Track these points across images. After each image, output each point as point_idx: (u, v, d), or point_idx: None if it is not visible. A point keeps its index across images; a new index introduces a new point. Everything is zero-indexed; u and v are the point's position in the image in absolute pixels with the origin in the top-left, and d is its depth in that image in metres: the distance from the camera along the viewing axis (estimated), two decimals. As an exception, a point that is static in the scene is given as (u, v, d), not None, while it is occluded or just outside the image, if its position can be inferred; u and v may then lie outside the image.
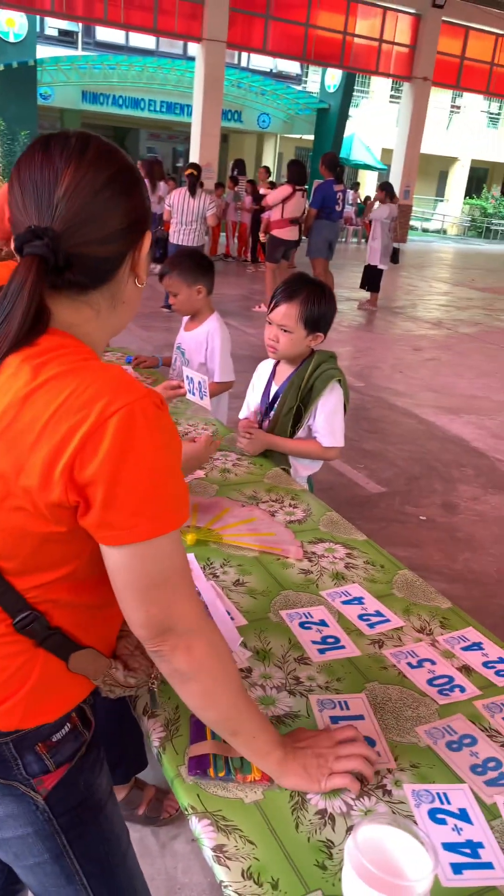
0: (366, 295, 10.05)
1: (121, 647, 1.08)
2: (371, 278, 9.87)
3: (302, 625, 1.40)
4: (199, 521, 1.80)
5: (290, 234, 8.70)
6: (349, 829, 0.94)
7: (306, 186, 8.75)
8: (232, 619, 1.40)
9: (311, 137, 21.49)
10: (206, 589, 1.49)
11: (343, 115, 19.65)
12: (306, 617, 1.42)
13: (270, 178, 13.21)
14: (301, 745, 1.03)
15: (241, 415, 2.49)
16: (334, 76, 19.41)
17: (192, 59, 15.98)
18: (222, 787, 1.01)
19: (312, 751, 1.02)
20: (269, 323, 2.20)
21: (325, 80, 19.93)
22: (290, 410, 2.25)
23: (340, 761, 1.01)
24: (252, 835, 0.94)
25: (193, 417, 2.57)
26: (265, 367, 2.42)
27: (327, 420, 2.21)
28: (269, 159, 27.03)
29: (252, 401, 2.45)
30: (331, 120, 19.71)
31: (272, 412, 2.31)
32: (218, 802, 0.99)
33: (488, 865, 0.92)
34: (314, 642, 1.34)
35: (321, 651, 1.32)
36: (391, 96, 26.94)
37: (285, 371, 2.31)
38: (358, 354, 7.35)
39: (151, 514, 0.84)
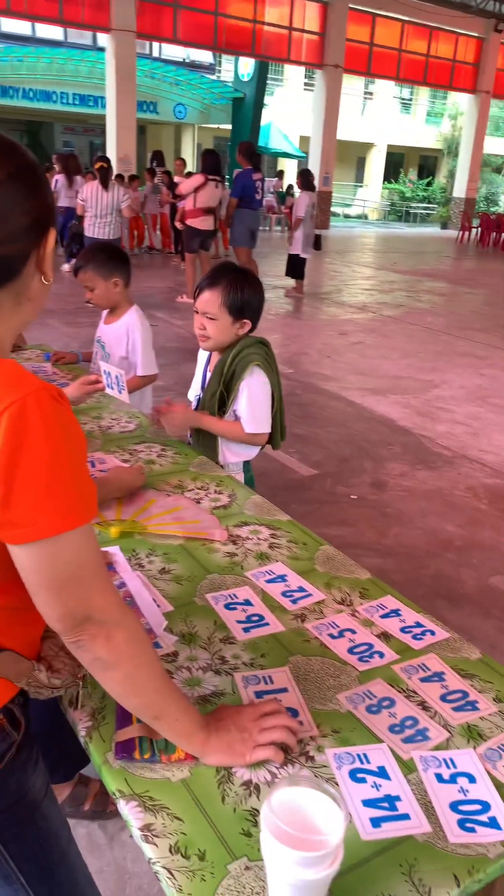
0: (291, 283, 10.14)
1: (45, 648, 1.07)
2: (295, 267, 9.96)
3: (227, 606, 1.42)
4: (124, 513, 1.80)
5: (204, 223, 8.69)
6: (272, 796, 0.97)
7: (226, 176, 8.75)
8: (158, 606, 1.41)
9: (229, 127, 21.46)
10: (132, 579, 1.50)
11: (258, 104, 19.70)
12: (231, 598, 1.45)
13: (188, 170, 13.15)
14: (224, 723, 1.05)
15: (190, 395, 2.49)
16: (247, 65, 19.43)
17: (103, 49, 15.71)
18: (149, 769, 1.03)
19: (236, 726, 1.04)
20: (196, 312, 2.19)
21: (239, 69, 19.93)
22: (213, 395, 2.26)
23: (264, 734, 1.03)
24: (179, 812, 0.96)
25: (116, 412, 2.55)
26: (203, 355, 2.42)
27: (249, 405, 2.21)
28: (187, 150, 26.90)
29: (193, 390, 2.46)
30: (246, 109, 19.73)
31: (202, 396, 2.33)
32: (145, 784, 1.00)
33: (405, 817, 0.96)
34: (239, 622, 1.37)
35: (246, 629, 1.35)
36: (305, 84, 27.14)
37: (218, 358, 2.32)
38: (286, 341, 7.41)
39: (53, 509, 0.83)
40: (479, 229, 20.31)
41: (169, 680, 1.02)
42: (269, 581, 1.53)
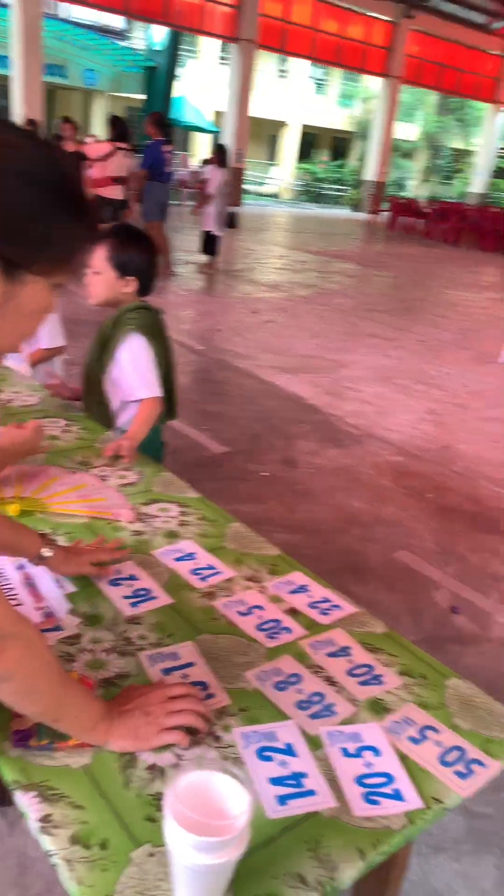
0: (205, 259, 10.02)
1: None
2: (208, 244, 9.85)
3: (112, 582, 1.38)
4: (24, 490, 1.71)
5: (113, 192, 8.45)
6: (178, 779, 0.94)
7: (136, 145, 8.51)
8: (60, 587, 1.35)
9: (142, 97, 20.88)
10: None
11: (171, 75, 19.22)
12: (116, 573, 1.41)
13: (87, 137, 12.64)
14: (129, 707, 1.02)
15: None
16: (160, 33, 18.90)
17: (6, 5, 14.88)
18: (48, 757, 0.98)
19: (140, 710, 1.01)
20: None
21: (151, 37, 19.37)
22: (97, 360, 2.24)
23: (171, 717, 1.01)
24: (80, 800, 0.92)
25: (17, 384, 2.43)
26: None
27: (134, 370, 2.16)
28: (98, 118, 26.02)
29: None
30: (159, 79, 19.22)
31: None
32: (44, 773, 0.95)
33: (311, 793, 0.95)
34: (125, 597, 1.34)
35: (133, 605, 1.32)
36: (220, 58, 26.73)
37: None
38: (198, 318, 7.33)
39: None
40: (389, 213, 20.69)
41: (67, 681, 0.98)
42: (178, 559, 1.50)
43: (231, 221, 9.87)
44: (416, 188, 33.48)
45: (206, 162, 19.97)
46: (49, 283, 0.81)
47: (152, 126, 8.54)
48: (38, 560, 1.32)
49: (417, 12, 21.34)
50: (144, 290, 2.21)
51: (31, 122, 8.05)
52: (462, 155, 34.37)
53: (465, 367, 6.57)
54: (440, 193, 32.40)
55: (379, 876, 1.17)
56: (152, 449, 2.28)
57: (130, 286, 2.16)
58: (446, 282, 11.76)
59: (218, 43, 24.39)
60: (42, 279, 0.80)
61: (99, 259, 2.11)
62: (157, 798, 0.93)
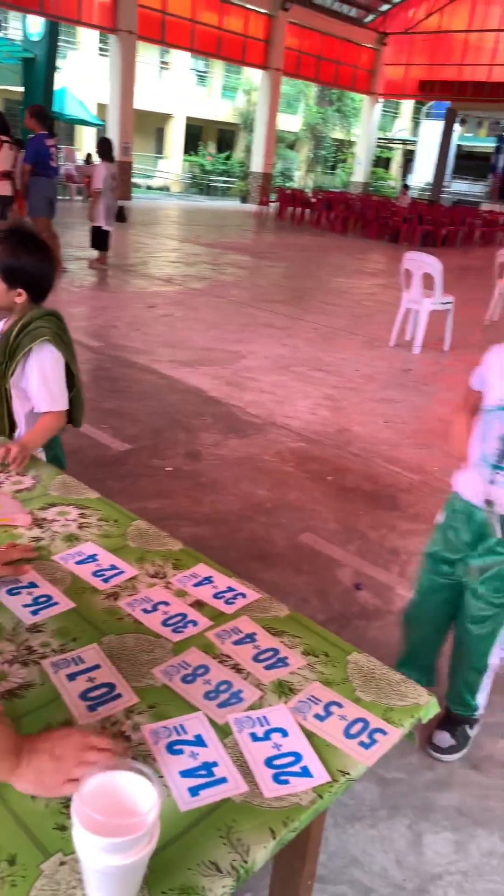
0: (96, 254, 9.82)
1: None
2: (98, 238, 9.64)
3: (10, 591, 1.35)
4: None
5: (1, 188, 8.15)
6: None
7: (17, 139, 8.20)
8: (-45, 601, 1.30)
9: (21, 89, 20.15)
10: None
11: (51, 66, 18.64)
12: (14, 582, 1.37)
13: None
14: (40, 748, 0.94)
15: None
16: (37, 23, 18.28)
17: None
18: (-50, 778, 0.94)
19: (51, 754, 0.93)
20: None
21: (28, 27, 18.70)
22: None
23: (81, 767, 0.89)
24: (-15, 818, 0.89)
25: None
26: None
27: (43, 384, 2.09)
28: (-26, 111, 24.95)
29: None
30: (38, 71, 18.59)
31: None
32: None
33: (222, 780, 0.97)
34: (25, 605, 1.31)
35: (34, 612, 1.30)
36: (100, 49, 26.16)
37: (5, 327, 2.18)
38: (93, 314, 7.18)
39: None
40: (277, 204, 20.94)
41: None
42: (78, 562, 1.47)
43: (121, 215, 9.68)
44: (301, 178, 34.02)
45: (88, 158, 19.60)
46: None
47: (33, 119, 8.25)
48: None
49: (293, 5, 21.65)
50: (40, 296, 2.11)
51: None
52: (344, 145, 35.20)
53: (357, 352, 6.75)
54: (325, 183, 33.10)
55: (296, 851, 1.20)
56: (53, 456, 2.23)
57: (21, 297, 2.06)
58: (336, 270, 12.03)
59: (97, 34, 23.89)
60: None
61: None
62: (67, 805, 0.91)
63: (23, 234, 2.05)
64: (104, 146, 9.42)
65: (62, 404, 2.13)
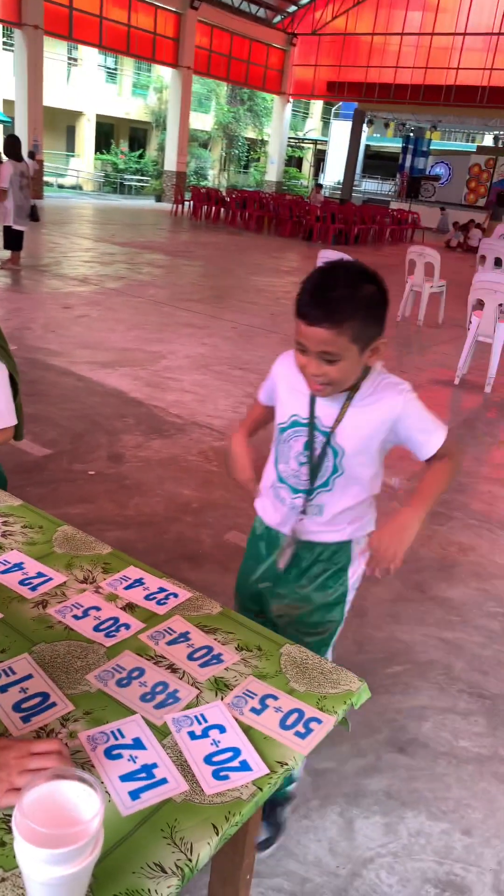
0: (7, 254, 9.54)
1: None
2: (9, 238, 9.37)
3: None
4: None
5: None
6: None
7: None
8: None
9: None
10: None
11: (-49, 59, 18.03)
12: (3, 563, 1.36)
13: None
14: None
15: None
16: None
17: None
18: None
19: None
20: None
21: None
22: None
23: (24, 776, 0.89)
24: None
25: None
26: None
27: None
28: None
29: None
30: None
31: None
32: None
33: (162, 781, 0.97)
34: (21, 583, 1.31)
35: (32, 588, 1.32)
36: (3, 44, 25.39)
37: None
38: (7, 316, 6.97)
39: None
40: (192, 203, 20.90)
41: None
42: (4, 571, 1.43)
43: (34, 214, 9.42)
44: (215, 178, 34.06)
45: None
46: None
47: None
48: None
49: (201, 3, 21.63)
50: None
51: None
52: (256, 144, 35.46)
53: (276, 349, 6.78)
54: (239, 182, 33.25)
55: (234, 846, 1.21)
56: None
57: None
58: (252, 268, 12.11)
59: (0, 28, 23.18)
60: None
61: None
62: (6, 820, 0.90)
63: None
64: (10, 144, 9.16)
65: (9, 420, 2.03)
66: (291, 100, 27.83)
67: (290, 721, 1.09)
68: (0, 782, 0.89)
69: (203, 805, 0.94)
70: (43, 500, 3.41)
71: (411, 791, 2.02)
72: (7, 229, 9.25)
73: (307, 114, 38.83)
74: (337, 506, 1.63)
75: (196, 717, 1.08)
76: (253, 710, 1.11)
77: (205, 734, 1.05)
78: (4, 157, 9.41)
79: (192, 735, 1.05)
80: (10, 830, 0.88)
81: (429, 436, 1.55)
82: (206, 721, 1.08)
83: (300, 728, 1.08)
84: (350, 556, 1.67)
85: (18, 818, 0.74)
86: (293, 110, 29.64)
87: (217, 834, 0.91)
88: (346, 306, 1.38)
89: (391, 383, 1.56)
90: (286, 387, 1.64)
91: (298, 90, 27.27)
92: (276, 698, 1.14)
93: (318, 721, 1.10)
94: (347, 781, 2.02)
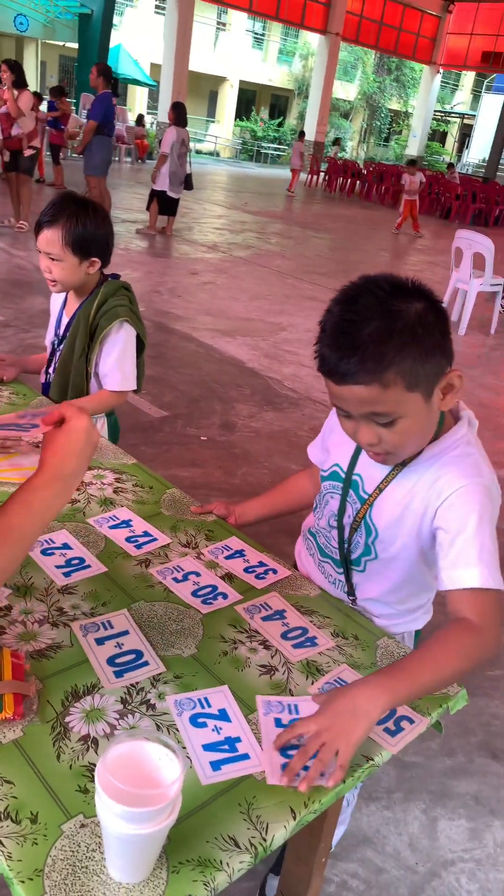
0: (143, 217, 9.73)
1: None
2: (165, 204, 9.39)
3: (44, 552, 1.35)
4: (-49, 458, 1.65)
5: (37, 143, 8.20)
6: (110, 749, 0.93)
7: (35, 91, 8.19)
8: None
9: (76, 45, 19.99)
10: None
11: (107, 23, 18.43)
12: (48, 543, 1.38)
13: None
14: None
15: (46, 341, 2.22)
16: (94, -22, 18.07)
17: None
18: (-23, 732, 0.95)
19: None
20: (40, 252, 1.95)
21: (85, -19, 18.49)
22: (81, 355, 2.05)
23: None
24: (9, 774, 0.90)
25: None
26: (57, 298, 2.17)
27: (118, 364, 2.03)
28: (30, 67, 24.84)
29: (49, 335, 2.20)
30: (94, 27, 18.40)
31: (62, 346, 2.09)
32: (-28, 748, 0.93)
33: (245, 757, 0.96)
34: (58, 566, 1.32)
35: (66, 574, 1.30)
36: (157, 7, 25.79)
37: (75, 301, 2.09)
38: (140, 278, 7.17)
39: None
40: (327, 173, 20.56)
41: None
42: (112, 527, 1.47)
43: (188, 183, 9.41)
44: (354, 149, 33.33)
45: (140, 119, 19.33)
46: None
47: (100, 77, 8.16)
48: None
49: (357, -33, 21.02)
50: (106, 262, 2.03)
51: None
52: (399, 116, 34.34)
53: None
54: (378, 155, 32.39)
55: (312, 827, 1.20)
56: (113, 422, 2.21)
57: (95, 266, 1.98)
58: (383, 244, 11.81)
59: (153, -10, 23.53)
60: None
61: (54, 244, 1.89)
62: (90, 769, 0.92)
63: (78, 202, 1.95)
64: (178, 111, 9.12)
65: (130, 385, 2.08)
66: (441, 70, 26.67)
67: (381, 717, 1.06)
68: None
69: (283, 787, 0.93)
70: (154, 460, 3.50)
71: (501, 800, 1.94)
72: (161, 195, 9.32)
73: (457, 86, 37.13)
74: (370, 591, 1.33)
75: (289, 705, 1.06)
76: (343, 698, 1.08)
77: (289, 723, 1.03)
78: (150, 120, 9.53)
79: (278, 722, 1.03)
80: (92, 778, 0.90)
81: (459, 567, 1.06)
82: (297, 713, 1.05)
83: (390, 725, 1.05)
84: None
85: (101, 771, 0.76)
86: (442, 82, 28.42)
87: (294, 819, 0.89)
88: (385, 346, 1.00)
89: (464, 458, 1.14)
90: (340, 430, 1.21)
91: (450, 60, 26.06)
92: (368, 690, 1.10)
93: (410, 721, 1.06)
94: (434, 780, 1.97)
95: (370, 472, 1.23)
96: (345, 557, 1.31)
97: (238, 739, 0.99)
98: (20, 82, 7.76)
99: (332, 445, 1.36)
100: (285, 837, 0.88)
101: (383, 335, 1.00)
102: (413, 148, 27.90)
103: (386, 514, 1.20)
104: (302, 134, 19.19)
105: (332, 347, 1.05)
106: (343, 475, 1.28)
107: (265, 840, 0.86)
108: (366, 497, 1.23)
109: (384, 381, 1.01)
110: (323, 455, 1.42)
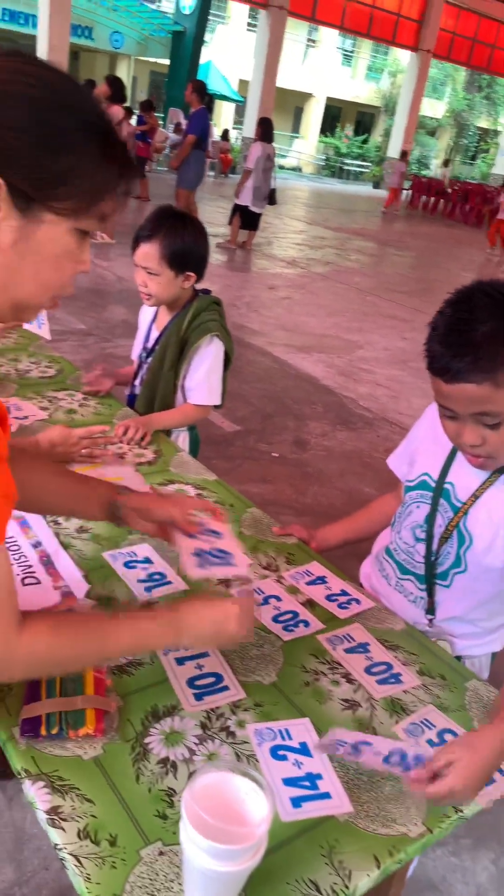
0: (225, 231, 9.85)
1: None
2: (247, 219, 9.49)
3: (127, 564, 1.35)
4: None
5: None
6: (191, 776, 0.92)
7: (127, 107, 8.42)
8: (79, 567, 1.33)
9: (166, 62, 20.50)
10: (49, 538, 1.40)
11: (199, 40, 18.84)
12: (131, 556, 1.38)
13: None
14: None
15: (133, 355, 2.26)
16: (189, -3, 18.51)
17: (33, -38, 14.56)
18: (59, 746, 0.96)
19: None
20: (136, 266, 1.98)
21: (180, 0, 18.96)
22: (171, 367, 2.06)
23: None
24: (90, 792, 0.90)
25: (36, 354, 2.40)
26: (147, 311, 2.20)
27: (206, 379, 2.04)
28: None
29: (136, 348, 2.23)
30: (186, 44, 18.84)
31: (150, 359, 2.12)
32: (54, 762, 0.93)
33: (326, 796, 0.93)
34: (140, 580, 1.32)
35: (147, 589, 1.30)
36: (248, 24, 26.19)
37: (166, 315, 2.11)
38: (218, 291, 7.22)
39: None
40: (411, 191, 20.37)
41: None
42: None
43: (272, 198, 9.46)
44: (438, 167, 32.94)
45: (225, 133, 19.59)
46: (71, 226, 0.76)
47: (194, 94, 8.36)
48: (110, 513, 1.18)
49: (452, -16, 20.83)
50: (200, 277, 2.04)
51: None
52: (488, 134, 33.77)
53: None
54: (463, 174, 31.90)
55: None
56: (194, 436, 2.22)
57: (190, 280, 1.99)
58: (465, 264, 11.60)
59: (247, 8, 23.90)
60: (63, 220, 0.74)
61: (151, 259, 1.90)
62: (169, 793, 0.91)
63: (177, 217, 1.97)
64: (265, 126, 9.23)
65: (215, 399, 2.08)
66: (534, 88, 26.09)
67: (468, 764, 1.01)
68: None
69: (367, 832, 0.90)
70: (227, 474, 3.49)
71: None
72: (244, 209, 9.43)
73: (549, 104, 36.26)
74: (454, 609, 1.30)
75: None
76: (430, 741, 1.04)
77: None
78: (234, 135, 9.65)
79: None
80: (171, 804, 0.89)
81: None
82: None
83: (480, 776, 0.99)
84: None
85: (188, 801, 0.74)
86: (533, 100, 27.80)
87: (378, 867, 0.85)
88: (500, 346, 1.03)
89: None
90: (430, 438, 1.30)
91: (543, 78, 25.47)
92: (455, 735, 1.06)
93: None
94: (504, 828, 1.88)
95: (464, 480, 1.23)
96: (430, 571, 1.28)
97: (319, 776, 0.96)
98: (116, 98, 7.99)
99: (419, 455, 1.36)
100: (368, 886, 0.85)
101: (498, 335, 1.02)
102: (501, 166, 27.34)
103: (482, 521, 1.21)
104: (404, 154, 19.12)
105: (445, 345, 1.06)
106: (433, 484, 1.27)
107: (347, 888, 0.83)
108: (459, 505, 1.23)
109: (497, 380, 1.03)
110: (406, 466, 1.42)
